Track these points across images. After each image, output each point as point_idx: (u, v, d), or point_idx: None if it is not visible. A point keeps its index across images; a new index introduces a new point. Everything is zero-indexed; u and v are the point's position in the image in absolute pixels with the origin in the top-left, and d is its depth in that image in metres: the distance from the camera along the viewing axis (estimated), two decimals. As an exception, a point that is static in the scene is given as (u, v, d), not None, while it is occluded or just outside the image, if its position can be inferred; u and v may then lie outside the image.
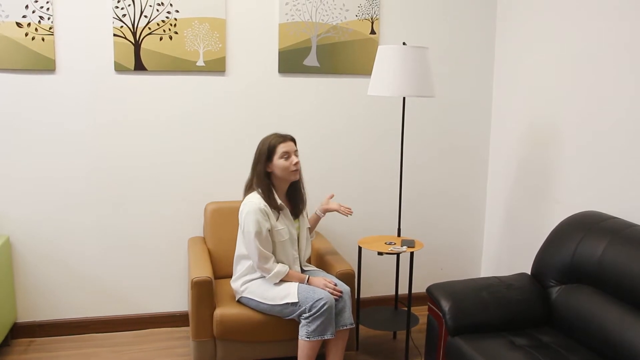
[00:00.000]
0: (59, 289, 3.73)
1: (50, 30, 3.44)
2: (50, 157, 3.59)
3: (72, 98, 3.56)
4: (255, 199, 3.10)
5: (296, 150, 3.18)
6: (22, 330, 3.70)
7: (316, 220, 3.48)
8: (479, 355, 2.63)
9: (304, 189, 3.31)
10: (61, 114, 3.56)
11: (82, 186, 3.66)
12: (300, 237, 3.31)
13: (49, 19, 3.43)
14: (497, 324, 2.86)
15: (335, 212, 3.53)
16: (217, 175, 3.83)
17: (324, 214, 3.46)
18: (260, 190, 3.13)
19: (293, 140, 3.19)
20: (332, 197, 3.50)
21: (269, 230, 3.10)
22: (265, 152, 3.12)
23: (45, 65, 3.47)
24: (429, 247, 4.22)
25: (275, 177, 3.16)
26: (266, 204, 3.10)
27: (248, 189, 3.20)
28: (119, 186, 3.71)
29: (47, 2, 3.41)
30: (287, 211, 3.22)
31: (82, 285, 3.76)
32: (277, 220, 3.14)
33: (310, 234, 3.46)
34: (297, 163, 3.14)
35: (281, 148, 3.11)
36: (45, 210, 3.64)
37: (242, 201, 3.18)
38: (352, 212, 3.43)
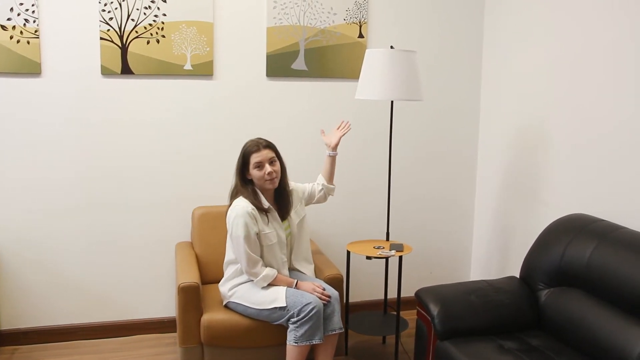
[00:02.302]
0: (43, 295, 3.70)
1: (36, 33, 3.42)
2: (35, 162, 3.56)
3: (59, 102, 3.54)
4: (243, 203, 3.09)
5: (272, 157, 3.14)
6: (6, 338, 3.66)
7: (331, 162, 3.44)
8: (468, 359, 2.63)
9: (290, 191, 3.30)
10: (47, 118, 3.54)
11: (67, 191, 3.64)
12: (291, 239, 3.29)
13: (34, 21, 3.41)
14: (486, 327, 2.86)
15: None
16: (205, 180, 3.82)
17: (335, 150, 3.42)
18: (245, 196, 3.13)
19: (269, 147, 3.16)
20: (323, 132, 3.48)
21: (257, 234, 3.09)
22: (241, 162, 3.15)
23: (31, 69, 3.45)
24: (418, 251, 4.23)
25: (256, 184, 3.17)
26: (254, 207, 3.09)
27: (234, 195, 3.19)
28: (105, 191, 3.69)
29: (33, 5, 3.39)
30: (275, 214, 3.20)
31: (67, 291, 3.73)
32: (266, 223, 3.13)
33: (330, 182, 3.46)
34: (270, 173, 3.10)
35: (254, 158, 3.10)
36: (29, 215, 3.61)
37: (228, 206, 3.17)
38: (349, 126, 3.46)
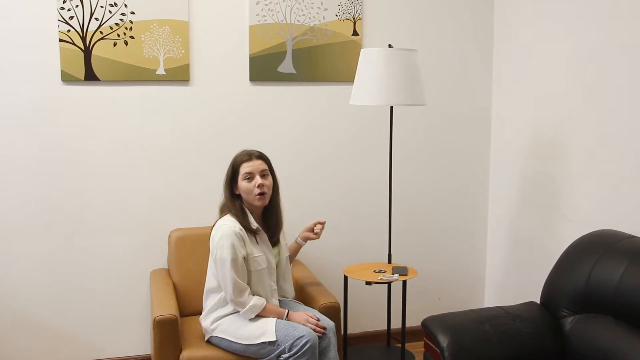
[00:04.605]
0: (0, 334, 3.65)
1: (-15, 35, 3.42)
2: (-13, 181, 3.54)
3: (11, 113, 3.51)
4: (229, 222, 3.09)
5: (264, 170, 3.15)
6: (-43, 383, 3.63)
7: (296, 249, 3.51)
8: (483, 398, 2.61)
9: (281, 211, 3.30)
10: None
11: (25, 215, 3.60)
12: (279, 267, 3.30)
13: (-18, 22, 3.41)
14: (504, 361, 2.85)
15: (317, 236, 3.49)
16: (182, 199, 3.80)
17: (305, 241, 3.48)
18: (233, 214, 3.13)
19: (262, 158, 3.18)
20: (319, 225, 3.47)
21: (244, 258, 3.08)
22: (230, 173, 3.16)
23: (-20, 77, 3.44)
24: (424, 274, 4.20)
25: (245, 199, 3.17)
26: (242, 228, 3.09)
27: (221, 212, 3.20)
28: (68, 214, 3.66)
29: (-20, 4, 3.39)
30: (264, 236, 3.21)
31: (28, 328, 3.69)
32: (255, 246, 3.13)
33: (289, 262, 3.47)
34: (261, 185, 3.11)
35: (244, 168, 3.12)
36: (-17, 243, 3.58)
37: (213, 225, 3.17)
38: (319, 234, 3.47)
